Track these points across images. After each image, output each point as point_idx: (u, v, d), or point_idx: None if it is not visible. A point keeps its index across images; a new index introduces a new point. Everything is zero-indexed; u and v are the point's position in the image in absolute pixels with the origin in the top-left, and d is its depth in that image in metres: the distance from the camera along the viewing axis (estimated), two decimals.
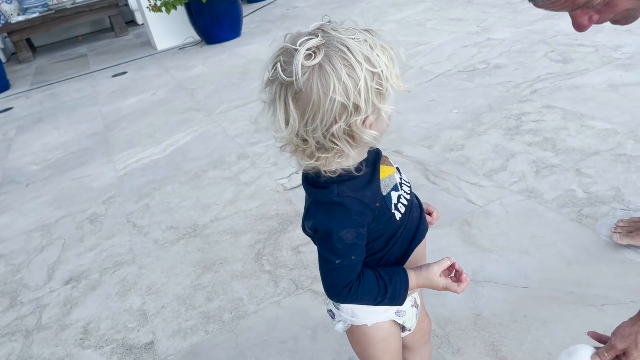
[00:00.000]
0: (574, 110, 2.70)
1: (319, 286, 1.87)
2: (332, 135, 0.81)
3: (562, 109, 2.74)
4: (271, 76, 0.83)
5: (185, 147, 3.43)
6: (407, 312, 1.08)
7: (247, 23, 7.00)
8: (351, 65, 0.78)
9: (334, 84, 0.77)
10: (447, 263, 0.98)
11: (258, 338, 1.71)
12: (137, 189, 2.98)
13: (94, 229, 2.65)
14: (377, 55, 0.80)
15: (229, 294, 1.95)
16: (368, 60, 0.79)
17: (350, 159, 0.87)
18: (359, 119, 0.81)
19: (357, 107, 0.79)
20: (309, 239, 2.15)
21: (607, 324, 1.46)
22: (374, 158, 0.95)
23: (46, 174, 3.53)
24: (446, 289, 0.97)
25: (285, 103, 0.81)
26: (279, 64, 0.81)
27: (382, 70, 0.80)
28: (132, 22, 9.34)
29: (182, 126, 3.83)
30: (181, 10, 6.29)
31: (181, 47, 6.62)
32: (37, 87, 6.32)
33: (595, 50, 3.40)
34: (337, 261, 0.91)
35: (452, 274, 1.00)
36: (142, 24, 7.89)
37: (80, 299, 2.13)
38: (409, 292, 0.98)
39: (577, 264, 1.70)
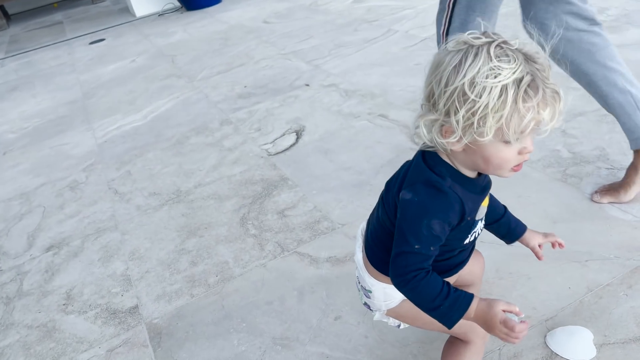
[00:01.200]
0: (560, 71, 2.67)
1: (304, 248, 1.86)
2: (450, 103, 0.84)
3: None
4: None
5: (166, 114, 3.36)
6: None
7: None
8: (457, 71, 0.83)
9: (438, 69, 0.86)
10: (516, 309, 0.92)
11: (244, 300, 1.70)
12: (118, 156, 2.92)
13: (75, 196, 2.60)
14: (489, 88, 0.80)
15: (214, 257, 1.93)
16: (472, 81, 0.82)
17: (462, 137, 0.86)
18: (433, 118, 0.88)
19: (435, 104, 0.88)
20: (294, 203, 2.14)
21: (590, 278, 1.48)
22: (484, 184, 1.00)
23: (24, 142, 3.43)
24: (504, 324, 0.89)
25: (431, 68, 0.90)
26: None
27: (477, 101, 0.81)
28: None
29: (163, 93, 3.75)
30: None
31: (161, 14, 6.44)
32: (12, 56, 6.12)
33: None
34: (416, 246, 0.92)
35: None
36: None
37: (62, 265, 2.10)
38: (467, 315, 0.93)
39: (562, 222, 1.71)
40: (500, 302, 0.92)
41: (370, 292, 1.12)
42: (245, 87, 3.50)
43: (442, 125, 0.87)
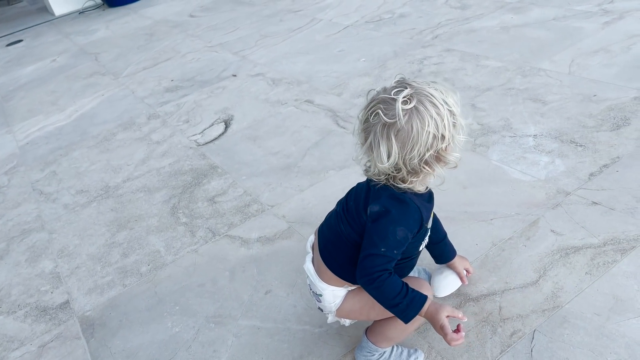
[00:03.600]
0: (471, 51, 2.86)
1: (235, 231, 1.91)
2: (425, 161, 1.01)
3: (460, 51, 2.89)
4: (372, 120, 1.01)
5: (92, 112, 3.29)
6: None
7: None
8: (436, 106, 0.99)
9: (428, 121, 0.98)
10: (460, 315, 1.09)
11: (177, 285, 1.74)
12: (41, 157, 2.84)
13: None
14: (447, 97, 1.01)
15: (145, 247, 1.95)
16: (445, 102, 1.00)
17: (428, 181, 1.08)
18: (443, 146, 1.01)
19: (443, 137, 1.00)
20: (224, 189, 2.19)
21: (494, 234, 1.62)
22: (429, 194, 1.15)
23: None
24: (442, 329, 1.07)
25: (387, 139, 0.99)
26: (380, 111, 0.99)
27: (454, 109, 1.01)
28: None
29: (88, 91, 3.66)
30: None
31: (81, 12, 6.22)
32: None
33: None
34: (382, 249, 1.06)
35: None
36: None
37: None
38: (420, 313, 1.09)
39: (471, 187, 1.85)
40: (446, 308, 1.08)
41: (321, 295, 1.22)
42: (172, 81, 3.48)
43: (449, 145, 1.03)
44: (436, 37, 3.15)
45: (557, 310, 1.33)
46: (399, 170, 1.03)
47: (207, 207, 2.09)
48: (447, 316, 1.08)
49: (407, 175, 1.03)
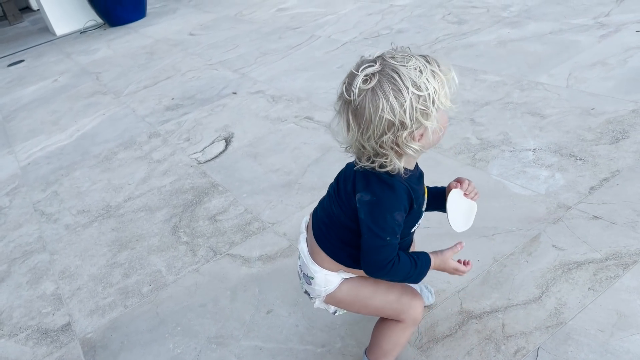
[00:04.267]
0: (469, 66, 2.88)
1: (236, 250, 1.91)
2: (382, 144, 0.97)
3: (458, 66, 2.91)
4: (339, 94, 1.00)
5: (93, 131, 3.31)
6: None
7: (152, 3, 6.76)
8: (399, 90, 0.92)
9: (383, 105, 0.92)
10: (459, 248, 1.17)
11: (178, 305, 1.73)
12: (43, 177, 2.85)
13: None
14: (426, 79, 0.93)
15: (147, 267, 1.95)
16: (415, 84, 0.93)
17: (397, 164, 1.01)
18: (405, 133, 0.95)
19: (403, 123, 0.94)
20: (225, 207, 2.19)
21: (496, 250, 1.62)
22: (418, 175, 1.13)
23: None
24: (455, 270, 1.16)
25: (347, 115, 0.98)
26: (344, 85, 0.98)
27: (428, 94, 0.93)
28: (26, 9, 8.73)
29: (89, 110, 3.68)
30: None
31: (83, 31, 6.28)
32: None
33: (486, 11, 3.61)
34: (387, 238, 1.04)
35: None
36: (38, 9, 7.39)
37: None
38: (428, 272, 1.13)
39: None
40: (447, 253, 1.15)
41: (312, 278, 1.19)
42: (172, 99, 3.50)
43: (415, 132, 0.97)
44: (434, 52, 3.16)
45: (561, 327, 1.32)
46: (363, 147, 0.99)
47: (208, 226, 2.09)
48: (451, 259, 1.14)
49: (373, 155, 1.00)
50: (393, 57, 0.95)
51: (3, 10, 8.01)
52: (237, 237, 1.99)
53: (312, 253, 1.20)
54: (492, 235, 1.68)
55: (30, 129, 3.61)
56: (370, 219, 1.04)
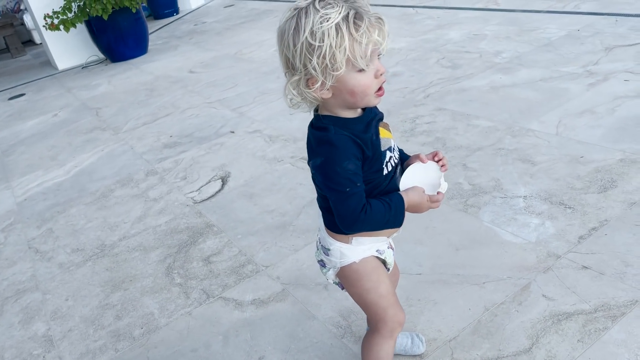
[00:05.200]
0: (462, 111, 2.95)
1: (229, 293, 1.92)
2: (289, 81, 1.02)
3: (451, 110, 2.98)
4: None
5: (90, 168, 3.34)
6: (385, 251, 1.24)
7: (153, 40, 6.89)
8: (297, 30, 0.97)
9: (284, 40, 0.99)
10: (438, 196, 1.17)
11: (169, 349, 1.73)
12: (39, 214, 2.86)
13: None
14: (326, 31, 0.94)
15: (139, 310, 1.94)
16: (311, 32, 0.95)
17: (308, 105, 1.06)
18: (296, 77, 1.00)
19: (293, 66, 0.99)
20: (219, 248, 2.20)
21: (487, 299, 1.63)
22: (369, 120, 1.10)
23: None
24: (431, 204, 1.15)
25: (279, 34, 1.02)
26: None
27: (320, 46, 0.95)
28: (29, 42, 8.87)
29: (87, 146, 3.72)
30: (82, 28, 6.09)
31: (84, 66, 6.39)
32: None
33: (479, 56, 3.71)
34: (347, 189, 1.05)
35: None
36: (40, 43, 7.53)
37: None
38: (405, 209, 1.14)
39: (463, 249, 1.87)
40: (418, 189, 1.15)
41: (329, 250, 1.22)
42: (171, 136, 3.55)
43: (307, 79, 1.00)
44: (428, 96, 3.24)
45: None
46: (296, 70, 1.01)
47: (202, 268, 2.10)
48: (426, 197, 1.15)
49: (307, 76, 1.00)
50: (324, 0, 0.97)
51: (6, 43, 8.15)
52: (230, 279, 2.00)
53: (326, 226, 1.23)
54: (484, 283, 1.69)
55: (28, 164, 3.64)
56: (324, 178, 1.07)
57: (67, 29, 5.58)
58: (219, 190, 2.69)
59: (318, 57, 0.96)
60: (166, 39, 7.04)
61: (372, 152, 1.09)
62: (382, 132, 1.15)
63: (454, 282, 1.73)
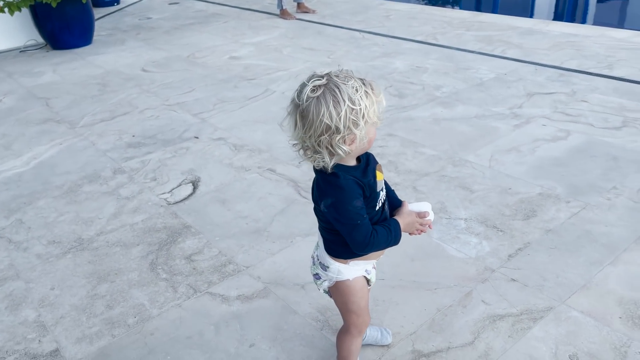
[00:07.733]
0: (409, 138, 3.37)
1: (215, 289, 2.16)
2: (319, 143, 1.23)
3: (400, 137, 3.39)
4: (292, 98, 1.25)
5: (51, 161, 3.38)
6: (371, 271, 1.57)
7: (96, 30, 6.77)
8: (338, 101, 1.19)
9: (324, 111, 1.19)
10: (426, 221, 1.50)
11: (165, 336, 1.94)
12: (4, 204, 2.90)
13: None
14: (360, 97, 1.20)
15: (129, 300, 2.13)
16: (351, 99, 1.20)
17: (328, 162, 1.26)
18: (338, 136, 1.22)
19: (337, 128, 1.21)
20: (199, 248, 2.44)
21: (438, 302, 2.01)
22: (364, 166, 1.36)
23: None
24: (422, 226, 1.48)
25: (295, 116, 1.24)
26: (296, 92, 1.24)
27: (360, 108, 1.21)
28: None
29: (43, 138, 3.73)
30: (25, 11, 5.90)
31: (22, 50, 6.18)
32: None
33: (422, 89, 4.19)
34: (358, 221, 1.32)
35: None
36: None
37: None
38: (402, 230, 1.44)
39: (417, 260, 2.25)
40: (412, 215, 1.47)
41: (328, 267, 1.50)
42: (133, 136, 3.67)
43: (346, 137, 1.23)
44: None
45: None
46: (305, 144, 1.24)
47: (186, 265, 2.32)
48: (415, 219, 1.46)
49: (312, 152, 1.25)
50: (337, 76, 1.22)
51: None
52: (214, 277, 2.23)
53: (327, 249, 1.51)
54: (435, 289, 2.08)
55: None
56: (338, 216, 1.33)
57: (11, 12, 5.41)
58: (191, 194, 2.89)
59: (361, 117, 1.24)
60: (110, 30, 6.96)
61: (370, 193, 1.40)
62: (378, 175, 1.45)
63: (411, 287, 2.10)
